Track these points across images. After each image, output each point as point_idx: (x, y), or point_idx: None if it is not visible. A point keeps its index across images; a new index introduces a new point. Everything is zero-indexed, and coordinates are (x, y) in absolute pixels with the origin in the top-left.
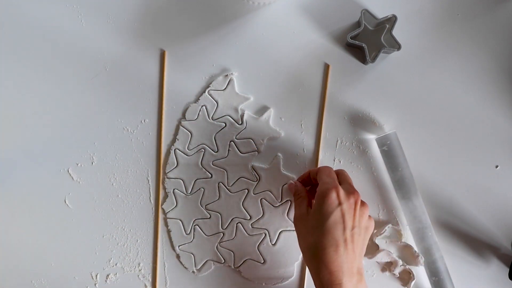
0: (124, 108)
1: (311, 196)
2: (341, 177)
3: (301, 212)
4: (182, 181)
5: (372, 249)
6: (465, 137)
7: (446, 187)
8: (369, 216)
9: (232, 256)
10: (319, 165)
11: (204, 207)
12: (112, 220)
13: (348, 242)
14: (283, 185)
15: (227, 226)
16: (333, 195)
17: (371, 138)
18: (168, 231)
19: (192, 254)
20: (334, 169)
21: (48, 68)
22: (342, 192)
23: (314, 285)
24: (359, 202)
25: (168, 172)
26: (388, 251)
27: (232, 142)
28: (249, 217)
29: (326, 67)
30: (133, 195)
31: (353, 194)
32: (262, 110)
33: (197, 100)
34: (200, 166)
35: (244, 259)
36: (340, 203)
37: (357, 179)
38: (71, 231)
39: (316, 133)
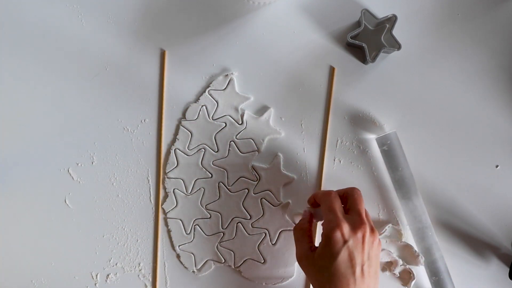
0: (124, 108)
1: (310, 229)
2: (350, 201)
3: (303, 250)
4: (182, 181)
5: None
6: (465, 137)
7: (446, 187)
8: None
9: (232, 256)
10: (324, 168)
11: (204, 207)
12: (112, 220)
13: (358, 279)
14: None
15: (227, 226)
16: (337, 235)
17: (371, 138)
18: (168, 231)
19: (192, 254)
20: (335, 168)
21: (48, 68)
22: (347, 229)
23: None
24: (367, 234)
25: (168, 172)
26: (388, 251)
27: (232, 142)
28: (249, 217)
29: (332, 70)
30: (133, 195)
31: (359, 227)
32: (262, 110)
33: (197, 100)
34: (200, 166)
35: (244, 259)
36: (345, 241)
37: (357, 179)
38: (71, 231)
39: (321, 135)
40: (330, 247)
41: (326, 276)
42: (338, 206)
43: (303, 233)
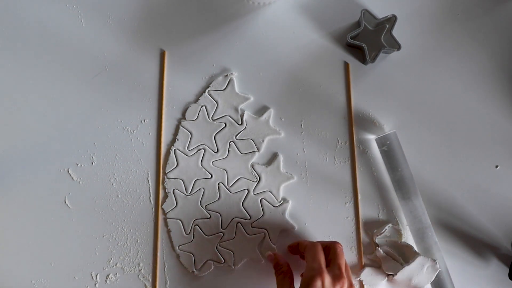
0: (124, 108)
1: (291, 272)
2: (332, 255)
3: None
4: (182, 181)
5: (371, 248)
6: (465, 137)
7: (446, 187)
8: None
9: (232, 256)
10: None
11: (204, 207)
12: (112, 220)
13: None
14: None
15: (227, 226)
16: (318, 284)
17: (371, 138)
18: (168, 231)
19: (192, 254)
20: (335, 168)
21: (48, 68)
22: (327, 280)
23: None
24: (344, 287)
25: (168, 172)
26: (388, 249)
27: (232, 142)
28: (249, 217)
29: (346, 66)
30: (133, 195)
31: (339, 280)
32: (262, 110)
33: (197, 100)
34: (200, 166)
35: (244, 259)
36: None
37: (357, 179)
38: (71, 231)
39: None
40: None
41: None
42: (322, 257)
43: (284, 276)
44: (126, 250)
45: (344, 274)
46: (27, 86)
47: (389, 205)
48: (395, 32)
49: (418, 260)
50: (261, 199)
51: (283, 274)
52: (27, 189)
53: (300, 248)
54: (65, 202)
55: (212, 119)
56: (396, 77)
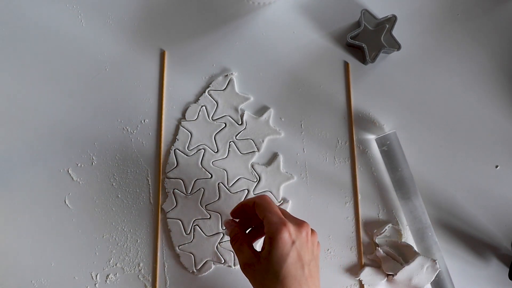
0: (124, 108)
1: (247, 236)
2: (281, 211)
3: (246, 258)
4: (182, 181)
5: (371, 248)
6: (465, 137)
7: (446, 187)
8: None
9: (232, 256)
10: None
11: (204, 207)
12: (112, 220)
13: (308, 278)
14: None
15: None
16: (286, 235)
17: (371, 138)
18: (168, 231)
19: (192, 254)
20: (335, 168)
21: (48, 68)
22: (292, 228)
23: None
24: (309, 232)
25: (168, 172)
26: (388, 249)
27: (232, 142)
28: None
29: (346, 66)
30: (133, 195)
31: (302, 226)
32: (262, 110)
33: (197, 100)
34: (200, 166)
35: None
36: (293, 242)
37: (357, 179)
38: (71, 231)
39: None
40: (278, 249)
41: (275, 281)
42: (277, 207)
43: (241, 241)
44: (126, 250)
45: (301, 220)
46: (27, 86)
47: (389, 205)
48: (395, 32)
49: (418, 260)
50: None
51: (239, 241)
52: (27, 189)
53: (246, 209)
54: (65, 202)
55: (212, 119)
56: (396, 77)
